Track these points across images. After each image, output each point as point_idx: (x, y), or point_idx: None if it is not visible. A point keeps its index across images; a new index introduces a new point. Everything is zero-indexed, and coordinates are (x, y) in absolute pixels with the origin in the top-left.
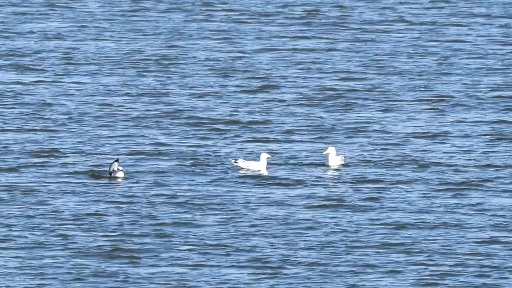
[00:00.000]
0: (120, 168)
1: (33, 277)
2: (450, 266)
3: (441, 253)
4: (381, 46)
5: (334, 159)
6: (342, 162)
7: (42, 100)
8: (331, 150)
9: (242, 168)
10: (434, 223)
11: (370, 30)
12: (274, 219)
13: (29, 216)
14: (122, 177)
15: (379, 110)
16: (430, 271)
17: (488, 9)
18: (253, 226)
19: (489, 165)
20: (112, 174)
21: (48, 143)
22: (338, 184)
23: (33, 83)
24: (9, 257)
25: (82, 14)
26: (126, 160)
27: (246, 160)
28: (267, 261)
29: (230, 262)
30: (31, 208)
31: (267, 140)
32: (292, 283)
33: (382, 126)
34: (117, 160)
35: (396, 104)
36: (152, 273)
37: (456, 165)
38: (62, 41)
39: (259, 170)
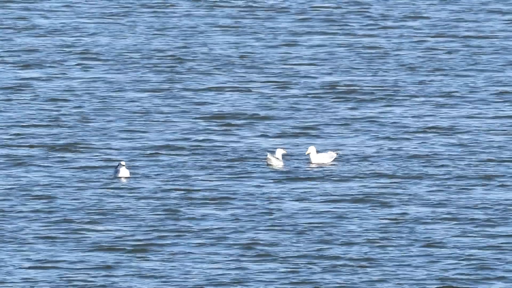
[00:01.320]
0: (123, 163)
1: (42, 270)
2: (452, 260)
3: (447, 247)
4: (384, 40)
5: (316, 157)
6: (331, 160)
7: (51, 95)
8: (311, 150)
9: (269, 163)
10: (443, 217)
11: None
12: (287, 215)
13: (37, 211)
14: (126, 176)
15: (384, 105)
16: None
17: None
18: (269, 221)
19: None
20: (116, 174)
21: (56, 138)
22: (341, 179)
23: (39, 78)
24: (16, 250)
25: (92, 8)
26: (140, 156)
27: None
28: (283, 255)
29: (241, 256)
30: (39, 203)
31: (278, 136)
32: (303, 278)
33: (389, 120)
34: (120, 163)
35: (399, 98)
36: (167, 267)
37: (461, 160)
38: (69, 37)
39: (279, 166)
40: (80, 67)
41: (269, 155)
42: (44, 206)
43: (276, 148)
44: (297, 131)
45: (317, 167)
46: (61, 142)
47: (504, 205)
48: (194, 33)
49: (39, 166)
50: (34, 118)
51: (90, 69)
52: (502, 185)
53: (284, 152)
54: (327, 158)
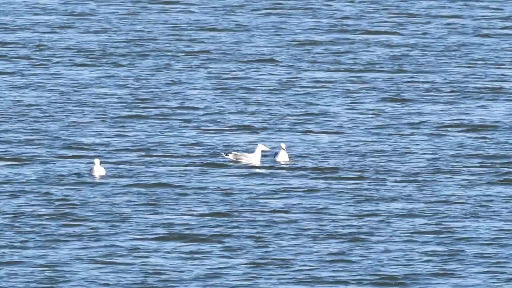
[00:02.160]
0: (96, 162)
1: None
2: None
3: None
4: (341, 36)
5: (284, 155)
6: (288, 159)
7: (15, 90)
8: (283, 146)
9: (235, 161)
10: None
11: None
12: (266, 210)
13: (11, 207)
14: (103, 174)
15: (349, 102)
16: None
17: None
18: (239, 216)
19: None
20: (92, 172)
21: (33, 135)
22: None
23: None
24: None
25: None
26: (114, 154)
27: (239, 152)
28: (251, 251)
29: (209, 251)
30: (13, 200)
31: (258, 131)
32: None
33: (354, 116)
34: (95, 161)
35: (362, 95)
36: (134, 262)
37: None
38: (52, 33)
39: (252, 163)
40: (45, 62)
41: (231, 155)
42: (16, 202)
43: (256, 143)
44: (258, 126)
45: (284, 164)
46: (34, 137)
47: (466, 200)
48: (158, 30)
49: (14, 163)
50: (3, 116)
51: (56, 65)
52: (462, 181)
53: (265, 149)
54: (286, 155)
